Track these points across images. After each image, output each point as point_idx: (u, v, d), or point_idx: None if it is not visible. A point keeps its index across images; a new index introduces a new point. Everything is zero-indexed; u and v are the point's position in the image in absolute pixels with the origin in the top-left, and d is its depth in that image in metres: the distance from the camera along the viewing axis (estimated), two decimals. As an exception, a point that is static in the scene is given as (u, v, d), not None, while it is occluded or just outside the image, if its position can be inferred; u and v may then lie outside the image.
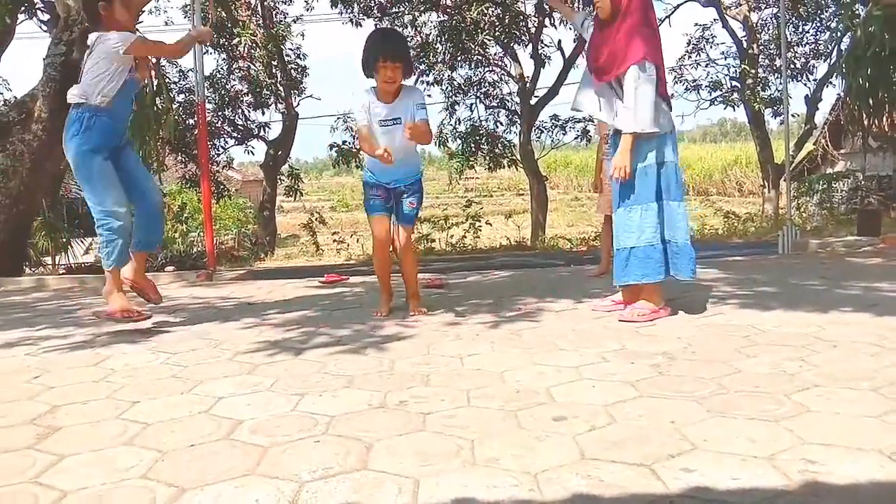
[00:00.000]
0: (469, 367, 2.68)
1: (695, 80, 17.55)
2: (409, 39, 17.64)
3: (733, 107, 17.13)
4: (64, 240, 16.99)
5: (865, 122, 8.69)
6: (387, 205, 3.89)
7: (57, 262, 17.34)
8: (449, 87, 17.34)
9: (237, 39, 14.87)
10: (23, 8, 9.36)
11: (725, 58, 17.69)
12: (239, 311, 4.29)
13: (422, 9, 15.69)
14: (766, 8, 17.01)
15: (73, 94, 3.60)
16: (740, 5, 16.62)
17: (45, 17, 10.02)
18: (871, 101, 8.29)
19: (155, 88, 7.58)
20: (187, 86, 16.62)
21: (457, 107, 17.52)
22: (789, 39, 16.03)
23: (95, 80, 3.55)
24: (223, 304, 4.69)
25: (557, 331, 3.28)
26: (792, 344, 2.81)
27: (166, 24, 17.84)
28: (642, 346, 2.91)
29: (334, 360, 2.86)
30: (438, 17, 16.72)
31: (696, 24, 17.78)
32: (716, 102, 17.16)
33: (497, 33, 16.47)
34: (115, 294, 3.71)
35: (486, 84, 18.29)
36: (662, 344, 2.91)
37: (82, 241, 15.70)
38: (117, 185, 3.64)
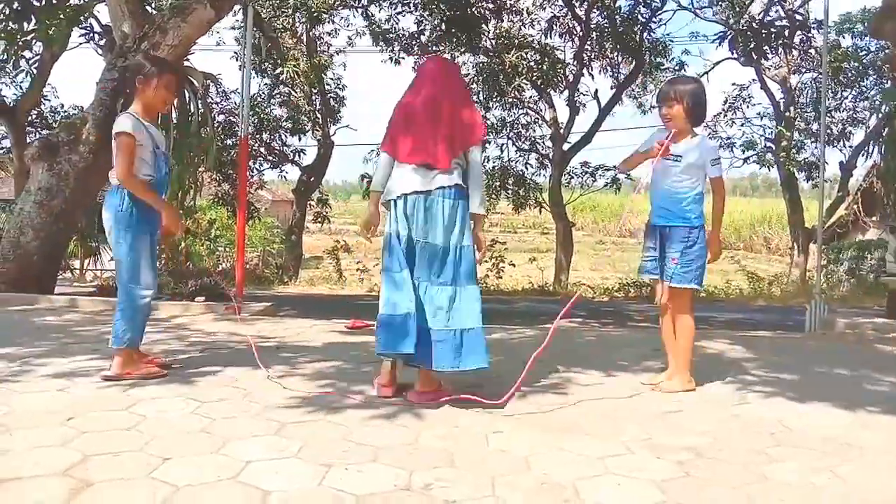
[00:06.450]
0: (494, 448, 2.70)
1: (729, 138, 17.58)
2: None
3: (768, 167, 17.11)
4: (94, 244, 17.23)
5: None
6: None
7: (85, 268, 17.61)
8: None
9: (280, 69, 15.19)
10: (81, 33, 9.70)
11: (761, 118, 17.72)
12: (268, 357, 4.34)
13: (462, 49, 15.95)
14: (805, 72, 17.05)
15: (112, 174, 3.63)
16: (780, 67, 16.67)
17: (102, 41, 10.35)
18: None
19: (200, 118, 7.77)
20: (227, 107, 16.96)
21: (487, 145, 17.73)
22: (827, 105, 16.01)
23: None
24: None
25: (584, 409, 3.28)
26: (819, 449, 2.79)
27: (217, 44, 18.26)
28: (668, 436, 2.90)
29: (361, 426, 2.90)
30: (477, 58, 16.99)
31: (734, 84, 17.85)
32: (749, 161, 17.15)
33: (534, 78, 16.69)
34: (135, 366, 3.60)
35: (519, 126, 18.50)
36: (688, 437, 2.91)
37: (110, 249, 15.99)
38: (152, 266, 3.67)
